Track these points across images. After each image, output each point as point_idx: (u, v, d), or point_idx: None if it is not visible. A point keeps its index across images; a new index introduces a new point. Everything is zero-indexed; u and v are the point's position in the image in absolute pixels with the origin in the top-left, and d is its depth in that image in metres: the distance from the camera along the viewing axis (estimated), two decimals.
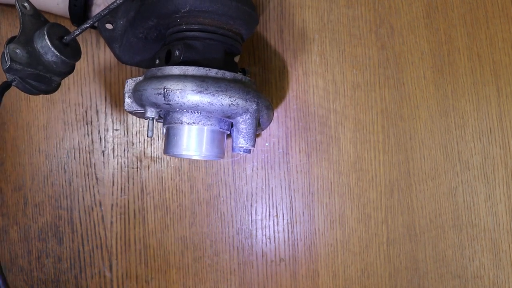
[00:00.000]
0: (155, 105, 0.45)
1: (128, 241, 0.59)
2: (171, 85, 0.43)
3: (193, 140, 0.47)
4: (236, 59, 0.53)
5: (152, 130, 0.47)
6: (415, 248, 0.59)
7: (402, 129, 0.60)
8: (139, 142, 0.60)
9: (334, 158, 0.60)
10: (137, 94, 0.46)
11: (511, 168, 0.59)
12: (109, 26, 0.51)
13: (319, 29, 0.61)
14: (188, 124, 0.46)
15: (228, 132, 0.49)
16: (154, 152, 0.60)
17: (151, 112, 0.46)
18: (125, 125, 0.60)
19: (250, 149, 0.50)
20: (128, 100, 0.48)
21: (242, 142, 0.46)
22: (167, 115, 0.48)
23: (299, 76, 0.61)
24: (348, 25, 0.61)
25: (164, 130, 0.49)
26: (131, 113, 0.50)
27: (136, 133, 0.60)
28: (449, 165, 0.59)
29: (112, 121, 0.60)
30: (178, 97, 0.43)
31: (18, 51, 0.42)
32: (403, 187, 0.59)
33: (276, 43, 0.61)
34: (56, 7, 0.53)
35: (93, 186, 0.60)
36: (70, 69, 0.47)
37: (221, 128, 0.48)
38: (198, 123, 0.46)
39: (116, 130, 0.60)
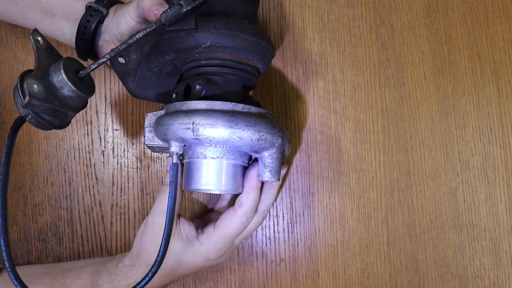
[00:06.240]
0: (181, 139, 0.44)
1: (128, 241, 0.59)
2: (201, 120, 0.43)
3: (217, 175, 0.46)
4: (250, 92, 0.53)
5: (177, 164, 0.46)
6: (416, 248, 0.59)
7: (402, 129, 0.60)
8: (139, 142, 0.60)
9: (334, 158, 0.60)
10: (161, 128, 0.45)
11: (511, 168, 0.59)
12: (121, 60, 0.50)
13: (319, 29, 0.61)
14: (212, 158, 0.46)
15: (247, 166, 0.49)
16: (153, 152, 0.60)
17: (175, 147, 0.45)
18: (125, 125, 0.60)
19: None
20: (149, 135, 0.47)
21: (268, 175, 0.46)
22: (189, 150, 0.47)
23: (299, 76, 0.60)
24: (348, 25, 0.61)
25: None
26: (150, 147, 0.49)
27: (136, 133, 0.60)
28: (449, 165, 0.59)
29: (112, 121, 0.60)
30: (208, 132, 0.43)
31: (35, 86, 0.41)
32: (403, 187, 0.59)
33: (276, 43, 0.60)
34: (62, 37, 0.53)
35: (93, 186, 0.60)
36: (84, 104, 0.46)
37: (243, 163, 0.47)
38: (222, 158, 0.46)
39: (116, 130, 0.60)
